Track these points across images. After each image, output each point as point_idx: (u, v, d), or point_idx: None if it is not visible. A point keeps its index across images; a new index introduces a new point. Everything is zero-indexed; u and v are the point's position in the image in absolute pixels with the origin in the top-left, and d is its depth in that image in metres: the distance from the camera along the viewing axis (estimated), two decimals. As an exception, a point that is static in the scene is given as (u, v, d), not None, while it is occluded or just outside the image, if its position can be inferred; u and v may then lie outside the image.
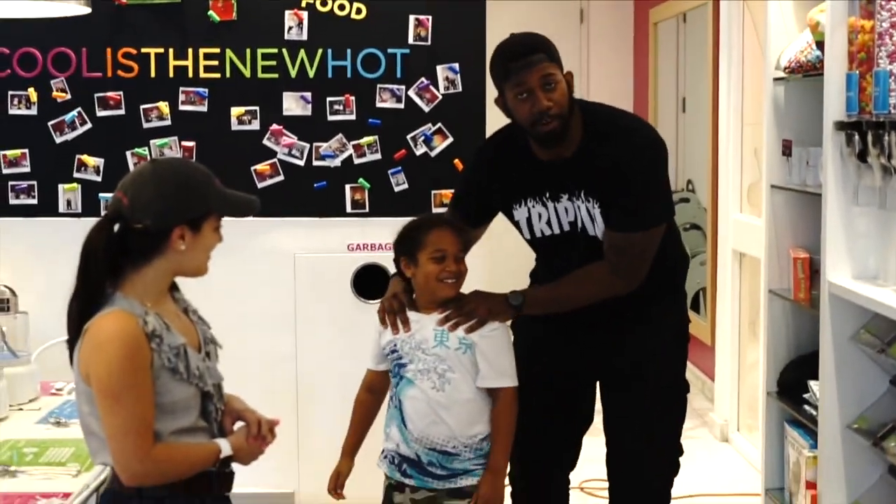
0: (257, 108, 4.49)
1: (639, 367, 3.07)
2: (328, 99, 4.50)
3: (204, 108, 4.49)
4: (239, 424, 2.53)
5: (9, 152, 4.49)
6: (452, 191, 4.50)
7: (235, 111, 4.49)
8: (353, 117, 4.51)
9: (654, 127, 3.12)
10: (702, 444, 5.66)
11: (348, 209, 4.55)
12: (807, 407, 3.48)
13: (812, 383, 3.43)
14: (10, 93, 4.48)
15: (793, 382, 3.64)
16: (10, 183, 4.50)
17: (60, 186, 4.51)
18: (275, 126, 4.50)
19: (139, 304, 2.34)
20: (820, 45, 3.29)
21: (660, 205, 3.04)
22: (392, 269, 4.47)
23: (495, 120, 4.74)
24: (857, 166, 3.08)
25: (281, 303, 4.57)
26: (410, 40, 4.50)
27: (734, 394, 5.67)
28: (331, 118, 4.51)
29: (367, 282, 4.59)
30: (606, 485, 3.22)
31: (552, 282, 3.05)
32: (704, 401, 6.26)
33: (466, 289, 3.05)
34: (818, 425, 3.32)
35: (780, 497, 3.69)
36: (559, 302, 3.04)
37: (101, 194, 4.47)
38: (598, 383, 3.19)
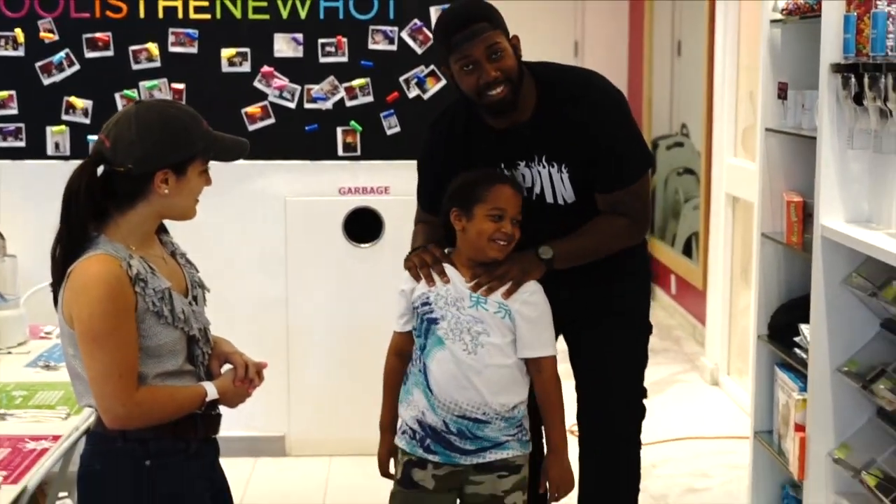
0: (248, 49, 4.47)
1: (608, 307, 3.08)
2: (320, 41, 4.48)
3: (194, 50, 4.46)
4: (227, 367, 2.52)
5: (-4, 94, 4.45)
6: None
7: (226, 53, 4.46)
8: (344, 59, 4.49)
9: (604, 77, 3.06)
10: (692, 388, 5.68)
11: (340, 152, 4.54)
12: (797, 350, 3.47)
13: (803, 327, 3.42)
14: (-3, 33, 4.43)
15: (784, 326, 3.62)
16: (-2, 125, 4.47)
17: (48, 129, 4.49)
18: (266, 68, 4.47)
19: (123, 248, 2.32)
20: (817, -14, 3.25)
21: (643, 147, 3.04)
22: (385, 213, 4.52)
23: None
24: (852, 109, 3.05)
25: (272, 246, 4.58)
26: (403, -19, 4.45)
27: (725, 338, 5.69)
28: (322, 60, 4.48)
29: (359, 225, 4.60)
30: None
31: (573, 234, 2.97)
32: (695, 345, 6.29)
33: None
34: (808, 368, 3.31)
35: (768, 440, 3.69)
36: (585, 253, 2.98)
37: (89, 137, 4.44)
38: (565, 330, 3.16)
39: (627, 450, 3.15)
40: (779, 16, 3.60)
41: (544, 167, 2.96)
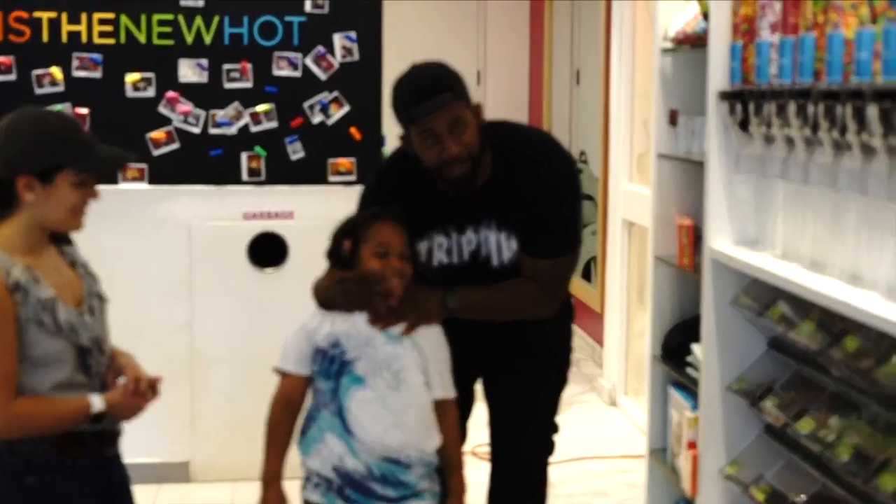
0: (153, 74, 4.46)
1: (530, 343, 3.08)
2: (224, 66, 4.48)
3: (98, 75, 4.44)
4: (123, 380, 2.50)
5: None
6: (349, 160, 4.57)
7: (130, 78, 4.44)
8: (249, 85, 4.50)
9: (564, 148, 3.03)
10: (590, 409, 5.77)
11: (244, 177, 4.54)
12: (689, 370, 3.58)
13: (694, 346, 3.53)
14: None
15: (677, 346, 3.74)
16: None
17: (-51, 152, 4.41)
18: (170, 93, 4.46)
19: (7, 256, 2.32)
20: (706, 16, 3.38)
21: (580, 227, 3.06)
22: (289, 238, 4.54)
23: (389, 73, 4.81)
24: (739, 135, 3.17)
25: (176, 271, 4.56)
26: (308, 8, 4.49)
27: (622, 359, 5.80)
28: (227, 85, 4.49)
29: (263, 250, 4.60)
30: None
31: (481, 287, 2.91)
32: (593, 366, 6.38)
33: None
34: (699, 387, 3.42)
35: (662, 458, 3.80)
36: (490, 310, 2.91)
37: None
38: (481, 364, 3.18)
39: (540, 490, 3.19)
40: (669, 45, 3.73)
41: (493, 233, 2.90)
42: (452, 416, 2.82)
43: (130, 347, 4.36)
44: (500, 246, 2.92)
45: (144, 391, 2.48)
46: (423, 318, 2.78)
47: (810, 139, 2.82)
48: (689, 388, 3.60)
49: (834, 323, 2.87)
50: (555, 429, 3.22)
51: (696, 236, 3.62)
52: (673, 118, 3.71)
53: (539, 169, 2.87)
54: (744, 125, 3.14)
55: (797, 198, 3.09)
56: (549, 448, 3.22)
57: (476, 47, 8.48)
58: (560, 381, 3.24)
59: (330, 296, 2.78)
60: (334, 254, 2.80)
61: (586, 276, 6.94)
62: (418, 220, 2.83)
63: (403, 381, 2.71)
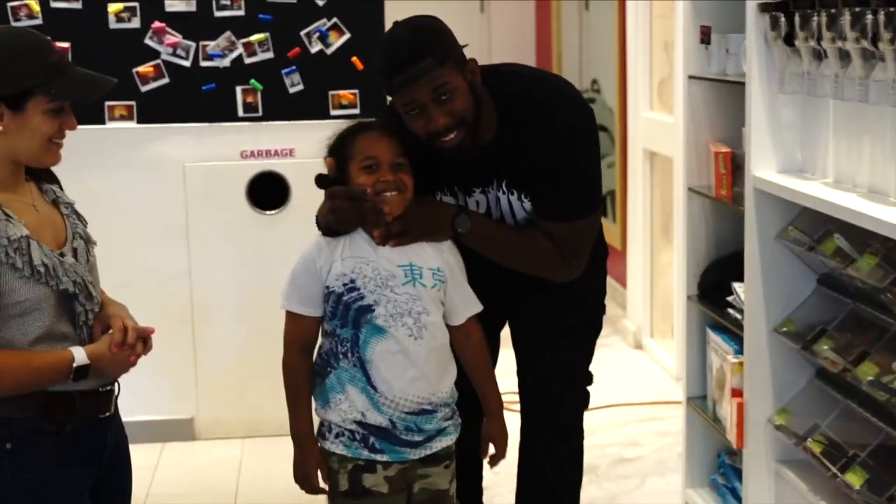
0: (137, 3, 4.20)
1: (561, 291, 2.80)
2: None
3: (78, 5, 4.19)
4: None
5: None
6: (351, 92, 4.28)
7: (113, 7, 4.20)
8: (241, 13, 4.24)
9: (577, 93, 2.73)
10: (615, 352, 5.54)
11: (240, 113, 4.30)
12: (731, 311, 3.30)
13: (736, 285, 3.25)
14: None
15: (714, 285, 3.46)
16: None
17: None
18: (157, 23, 4.22)
19: None
20: (741, -78, 3.06)
21: (598, 185, 2.75)
22: (291, 177, 4.26)
23: (394, 10, 4.47)
24: (783, 51, 2.87)
25: (171, 216, 4.33)
26: (303, -73, 4.22)
27: (647, 300, 5.56)
28: (218, 14, 4.23)
29: (263, 191, 4.35)
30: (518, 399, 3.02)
31: (498, 222, 2.69)
32: (616, 307, 6.12)
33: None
34: (744, 329, 3.15)
35: (702, 406, 3.53)
36: (500, 250, 2.67)
37: None
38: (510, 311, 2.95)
39: (573, 440, 2.97)
40: (701, -44, 3.42)
41: (503, 194, 2.67)
42: (477, 336, 2.63)
43: (124, 299, 4.18)
44: (513, 208, 2.69)
45: (133, 343, 2.23)
46: (426, 234, 2.55)
47: (868, 52, 2.52)
48: (731, 331, 3.32)
49: (897, 256, 2.60)
50: (588, 379, 2.96)
51: (734, 165, 3.33)
52: (705, 35, 3.38)
53: (548, 121, 2.60)
54: (789, 40, 2.83)
55: (853, 119, 2.79)
56: (582, 398, 2.97)
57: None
58: (592, 327, 2.98)
59: (324, 217, 2.54)
60: (321, 178, 2.55)
61: (603, 211, 6.70)
62: (419, 180, 2.58)
63: (425, 327, 2.51)
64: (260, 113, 4.29)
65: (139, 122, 4.23)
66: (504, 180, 2.66)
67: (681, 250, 3.76)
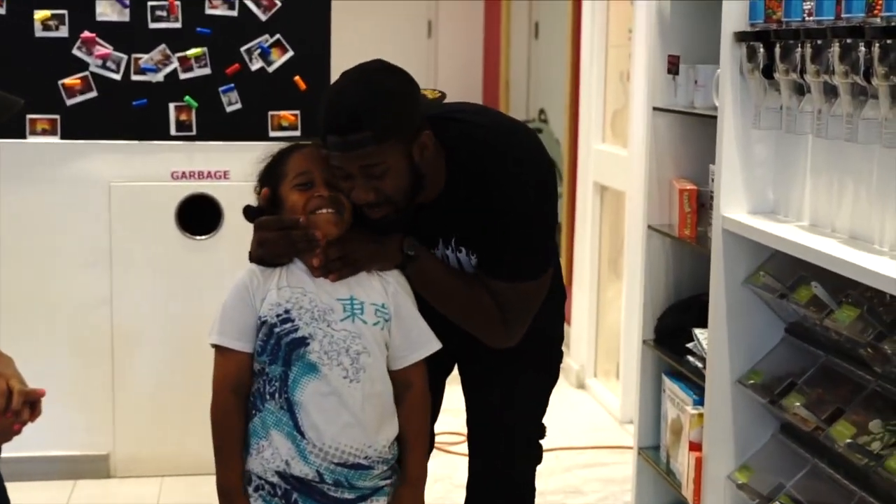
0: (65, 12, 3.95)
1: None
2: (149, 3, 3.98)
3: (2, 11, 3.92)
4: None
5: None
6: (292, 113, 4.05)
7: (39, 15, 3.94)
8: (178, 25, 4.01)
9: (536, 143, 2.48)
10: (557, 391, 5.23)
11: (172, 131, 4.05)
12: (690, 358, 3.12)
13: (697, 331, 3.07)
14: None
15: (673, 329, 3.28)
16: None
17: None
18: (87, 33, 3.96)
19: None
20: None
21: (550, 246, 2.51)
22: (224, 201, 4.03)
23: (340, 31, 4.33)
24: (759, 84, 2.69)
25: (94, 238, 4.06)
26: (245, -63, 4.02)
27: (592, 337, 5.37)
28: (153, 25, 4.00)
29: (194, 214, 4.10)
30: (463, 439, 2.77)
31: (450, 268, 2.46)
32: None
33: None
34: (705, 379, 2.96)
35: (654, 457, 3.34)
36: (442, 293, 2.42)
37: None
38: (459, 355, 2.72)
39: (526, 499, 2.73)
40: (670, -18, 3.24)
41: (452, 251, 2.45)
42: (419, 387, 2.36)
43: (42, 324, 4.00)
44: (462, 266, 2.46)
45: (17, 408, 1.94)
46: (370, 260, 2.31)
47: (857, 87, 2.34)
48: (690, 379, 3.13)
49: (879, 308, 2.41)
50: (541, 432, 2.73)
51: (698, 203, 3.14)
52: (673, 66, 3.21)
53: (495, 174, 2.37)
54: (767, 72, 2.65)
55: (834, 158, 2.62)
56: (533, 452, 2.74)
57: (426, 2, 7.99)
58: (546, 373, 2.75)
59: (255, 251, 2.31)
60: (249, 210, 2.33)
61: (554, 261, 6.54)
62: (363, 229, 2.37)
63: (363, 369, 2.26)
64: (194, 132, 4.05)
65: (63, 137, 3.98)
66: (453, 237, 2.44)
67: (636, 290, 3.58)
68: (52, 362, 3.97)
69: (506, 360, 2.57)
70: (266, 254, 2.28)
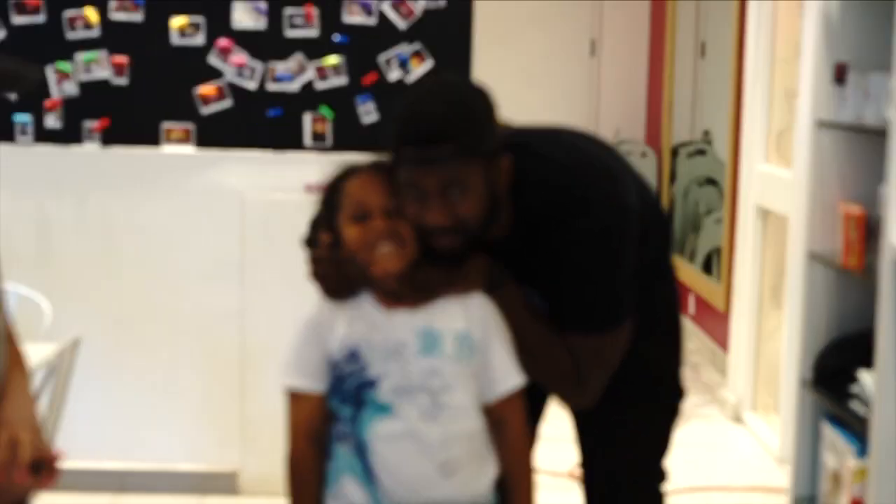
0: (202, 19, 3.89)
1: (626, 370, 2.30)
2: (286, 10, 3.90)
3: (139, 17, 3.89)
4: None
5: None
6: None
7: (176, 22, 3.89)
8: (315, 33, 3.91)
9: (614, 183, 2.21)
10: (711, 425, 5.01)
11: (307, 142, 3.95)
12: (853, 403, 2.80)
13: (862, 373, 2.75)
14: None
15: (835, 370, 2.97)
16: None
17: (-33, 106, 3.92)
18: (223, 41, 3.90)
19: None
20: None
21: (618, 299, 2.23)
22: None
23: (484, 40, 4.16)
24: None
25: (225, 251, 3.98)
26: (386, -58, 3.91)
27: (750, 368, 5.05)
28: (289, 34, 3.91)
29: (328, 229, 3.95)
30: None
31: (536, 310, 2.21)
32: (715, 373, 5.66)
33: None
34: (870, 428, 2.63)
35: (811, 507, 3.03)
36: (524, 333, 2.16)
37: (16, 115, 3.83)
38: None
39: None
40: (839, -16, 2.93)
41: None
42: (516, 424, 2.10)
43: (171, 338, 3.90)
44: None
45: (20, 465, 1.63)
46: (449, 286, 2.08)
47: None
48: (853, 427, 2.80)
49: None
50: (660, 475, 2.46)
51: (867, 229, 2.82)
52: (841, 74, 2.89)
53: (567, 225, 2.15)
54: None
55: None
56: (645, 499, 2.46)
57: (591, 13, 7.75)
58: (666, 414, 2.46)
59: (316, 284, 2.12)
60: (309, 240, 2.15)
61: (707, 269, 6.28)
62: None
63: (445, 407, 2.01)
64: (329, 143, 3.94)
65: (198, 146, 3.92)
66: (521, 279, 2.21)
67: (795, 324, 3.27)
68: (181, 376, 3.92)
69: (605, 397, 2.32)
70: (324, 289, 2.10)
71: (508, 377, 2.08)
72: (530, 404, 2.20)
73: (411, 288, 2.05)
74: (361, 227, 2.01)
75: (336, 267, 2.05)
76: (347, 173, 2.10)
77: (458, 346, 2.03)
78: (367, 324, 2.04)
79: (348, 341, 2.03)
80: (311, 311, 2.10)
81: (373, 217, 2.02)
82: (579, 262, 2.14)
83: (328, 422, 2.07)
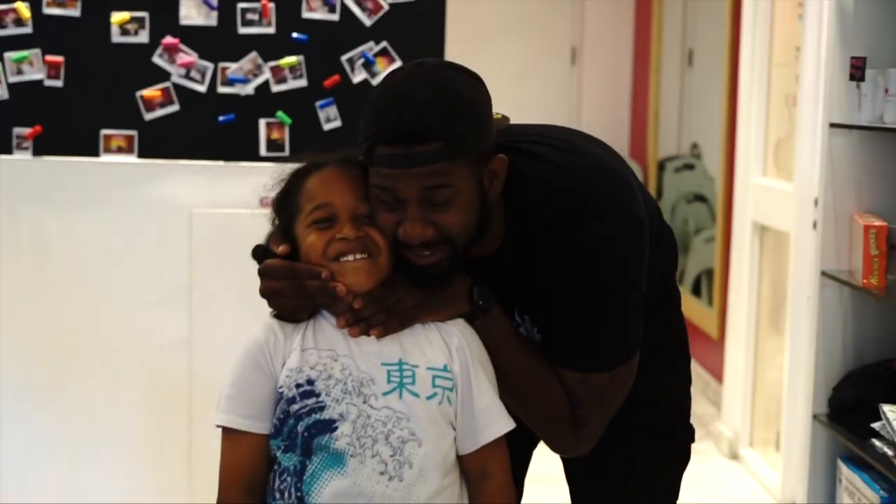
0: (146, 14, 3.59)
1: (630, 410, 2.00)
2: (239, 5, 3.60)
3: (76, 13, 3.57)
4: None
5: None
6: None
7: (117, 17, 3.58)
8: (271, 30, 3.61)
9: (629, 197, 1.87)
10: (706, 462, 4.72)
11: (262, 151, 3.65)
12: (875, 441, 2.47)
13: (886, 408, 2.43)
14: None
15: (853, 403, 2.65)
16: None
17: None
18: (169, 39, 3.59)
19: None
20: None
21: (630, 331, 1.91)
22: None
23: (456, 39, 3.86)
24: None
25: (172, 272, 3.69)
26: (348, -71, 3.64)
27: (747, 400, 4.77)
28: (242, 31, 3.61)
29: (285, 247, 3.65)
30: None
31: (525, 340, 1.91)
32: (709, 405, 5.38)
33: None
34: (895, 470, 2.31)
35: (826, 558, 2.70)
36: (511, 366, 1.87)
37: None
38: None
39: None
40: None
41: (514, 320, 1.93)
42: (499, 478, 1.79)
43: (114, 367, 3.58)
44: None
45: None
46: (426, 310, 1.78)
47: None
48: (874, 468, 2.47)
49: None
50: None
51: (888, 244, 2.50)
52: (858, 70, 2.57)
53: (568, 232, 1.83)
54: None
55: None
56: None
57: (572, 19, 7.49)
58: (674, 459, 2.16)
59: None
60: (258, 251, 1.90)
61: (696, 292, 6.01)
62: None
63: (408, 463, 1.70)
64: (287, 152, 3.64)
65: (140, 156, 3.62)
66: (509, 306, 1.91)
67: (803, 351, 2.97)
68: (123, 412, 3.63)
69: (611, 440, 1.98)
70: (276, 307, 1.80)
71: (494, 423, 1.76)
72: (513, 450, 1.87)
73: (381, 311, 1.74)
74: (324, 233, 1.73)
75: (291, 281, 1.74)
76: (308, 169, 1.82)
77: (433, 386, 1.72)
78: (325, 353, 1.73)
79: (303, 372, 1.72)
80: (256, 334, 1.78)
81: (339, 221, 1.73)
82: (583, 283, 1.82)
83: (268, 469, 1.75)
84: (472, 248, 1.80)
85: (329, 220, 1.73)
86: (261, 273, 1.82)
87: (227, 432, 1.76)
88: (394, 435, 1.69)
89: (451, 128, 1.69)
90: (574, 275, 1.81)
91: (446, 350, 1.75)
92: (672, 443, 2.15)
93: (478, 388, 1.76)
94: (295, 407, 1.71)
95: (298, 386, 1.71)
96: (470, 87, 1.76)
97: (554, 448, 1.98)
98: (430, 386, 1.71)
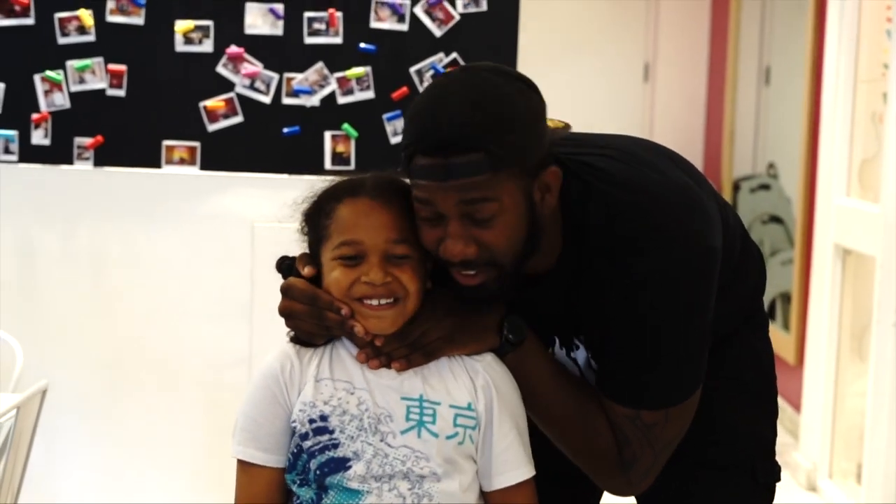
0: (211, 23, 3.56)
1: (703, 444, 1.88)
2: (306, 14, 3.55)
3: (140, 20, 3.55)
4: None
5: None
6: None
7: (181, 26, 3.55)
8: (338, 40, 3.57)
9: (703, 221, 1.75)
10: (783, 493, 4.50)
11: (327, 164, 3.59)
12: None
13: None
14: None
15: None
16: None
17: (-54, 117, 3.60)
18: (233, 48, 3.55)
19: None
20: None
21: (690, 366, 1.77)
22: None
23: (530, 49, 3.77)
24: None
25: (234, 287, 3.64)
26: (419, -62, 3.58)
27: (827, 430, 4.62)
28: (309, 40, 3.57)
29: (349, 263, 3.59)
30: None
31: (560, 367, 1.80)
32: (786, 435, 5.21)
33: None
34: None
35: None
36: (547, 404, 1.77)
37: (0, 131, 3.51)
38: None
39: None
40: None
41: (561, 348, 1.84)
42: None
43: (171, 386, 3.54)
44: (579, 366, 1.84)
45: None
46: (452, 343, 1.69)
47: None
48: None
49: None
50: None
51: None
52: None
53: (630, 255, 1.71)
54: None
55: None
56: None
57: (645, 34, 7.41)
58: (753, 494, 1.98)
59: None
60: (284, 264, 1.79)
61: (772, 315, 5.91)
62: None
63: (427, 496, 1.63)
64: (352, 165, 3.59)
65: (202, 168, 3.58)
66: (565, 329, 1.82)
67: (889, 379, 2.80)
68: (181, 429, 3.59)
69: (684, 478, 1.86)
70: (293, 328, 1.71)
71: (511, 469, 1.68)
72: (578, 491, 1.74)
73: (404, 345, 1.66)
74: (350, 270, 1.64)
75: (311, 308, 1.66)
76: (342, 194, 1.70)
77: (454, 425, 1.64)
78: (341, 384, 1.66)
79: (317, 406, 1.65)
80: (271, 361, 1.70)
81: (367, 261, 1.63)
82: (642, 313, 1.69)
83: (285, 500, 1.70)
84: (523, 266, 1.69)
85: (356, 259, 1.64)
86: (283, 290, 1.73)
87: (243, 464, 1.70)
88: (413, 472, 1.62)
89: (493, 138, 1.58)
90: (628, 307, 1.69)
91: (471, 386, 1.67)
92: (752, 482, 2.00)
93: (500, 429, 1.67)
94: (308, 444, 1.64)
95: (311, 421, 1.64)
96: (519, 93, 1.64)
97: (605, 487, 1.86)
98: (451, 425, 1.64)
